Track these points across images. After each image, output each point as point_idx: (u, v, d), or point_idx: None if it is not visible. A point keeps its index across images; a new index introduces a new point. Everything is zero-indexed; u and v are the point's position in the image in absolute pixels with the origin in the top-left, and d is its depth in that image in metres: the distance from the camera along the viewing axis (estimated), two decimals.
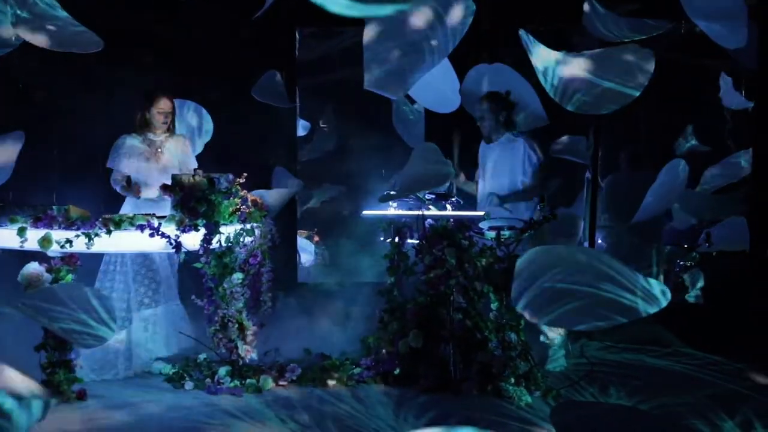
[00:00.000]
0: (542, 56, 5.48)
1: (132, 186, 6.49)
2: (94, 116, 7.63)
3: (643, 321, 7.01)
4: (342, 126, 10.17)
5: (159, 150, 6.70)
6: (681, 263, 9.23)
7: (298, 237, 9.92)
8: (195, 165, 6.76)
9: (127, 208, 6.56)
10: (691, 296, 9.11)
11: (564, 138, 9.00)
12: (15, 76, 7.52)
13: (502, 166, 7.01)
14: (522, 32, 5.52)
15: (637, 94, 5.26)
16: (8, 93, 7.69)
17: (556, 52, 5.50)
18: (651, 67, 5.23)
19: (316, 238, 10.50)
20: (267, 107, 8.49)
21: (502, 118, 7.03)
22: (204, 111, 7.74)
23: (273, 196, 7.80)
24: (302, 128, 9.44)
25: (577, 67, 5.34)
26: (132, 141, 6.67)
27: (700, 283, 9.11)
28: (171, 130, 6.79)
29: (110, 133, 6.85)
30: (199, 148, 7.66)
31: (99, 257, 6.49)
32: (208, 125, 7.73)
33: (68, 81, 7.58)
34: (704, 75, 8.79)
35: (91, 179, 7.04)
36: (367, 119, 9.36)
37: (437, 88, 7.06)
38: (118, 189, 6.64)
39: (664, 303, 4.44)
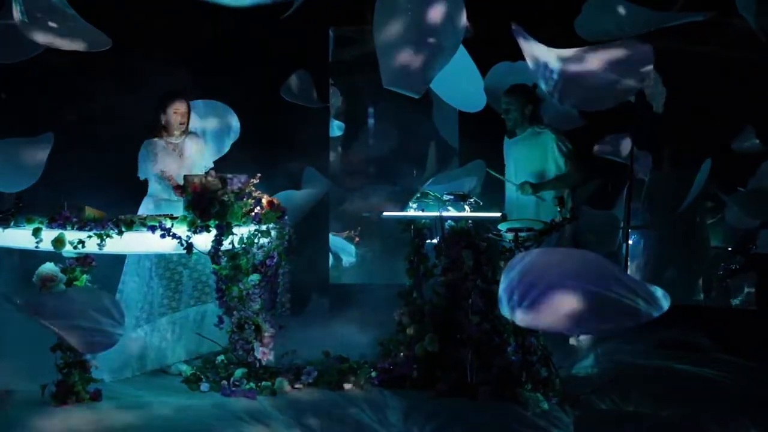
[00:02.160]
0: (537, 51, 5.33)
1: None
2: (122, 118, 7.65)
3: (678, 325, 6.91)
4: (384, 126, 10.11)
5: (180, 150, 6.72)
6: (725, 266, 8.95)
7: (337, 238, 9.90)
8: (211, 164, 6.81)
9: (144, 209, 6.57)
10: (736, 300, 8.84)
11: (608, 137, 8.83)
12: (39, 78, 7.59)
13: (529, 160, 6.88)
14: (515, 26, 5.36)
15: (639, 87, 5.07)
16: (35, 95, 7.75)
17: (550, 48, 5.34)
18: (650, 61, 5.05)
19: (357, 239, 10.44)
20: (299, 107, 8.45)
21: (527, 112, 6.90)
22: (231, 110, 7.71)
23: (301, 196, 7.80)
24: (338, 128, 9.39)
25: (577, 61, 5.17)
26: (157, 143, 6.72)
27: (746, 288, 8.84)
28: (186, 130, 6.81)
29: (138, 135, 6.88)
30: (227, 148, 7.64)
31: (124, 258, 6.51)
32: (236, 125, 7.70)
33: (97, 82, 7.65)
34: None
35: (117, 180, 7.05)
36: (408, 119, 9.31)
37: (462, 87, 6.93)
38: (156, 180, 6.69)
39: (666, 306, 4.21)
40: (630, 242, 9.11)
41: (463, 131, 8.75)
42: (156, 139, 6.74)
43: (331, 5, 8.37)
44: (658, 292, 4.37)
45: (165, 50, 7.95)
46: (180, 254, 6.00)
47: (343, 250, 10.15)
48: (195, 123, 7.26)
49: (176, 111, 6.70)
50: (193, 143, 6.84)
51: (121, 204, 6.42)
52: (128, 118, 7.53)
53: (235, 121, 7.68)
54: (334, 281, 9.38)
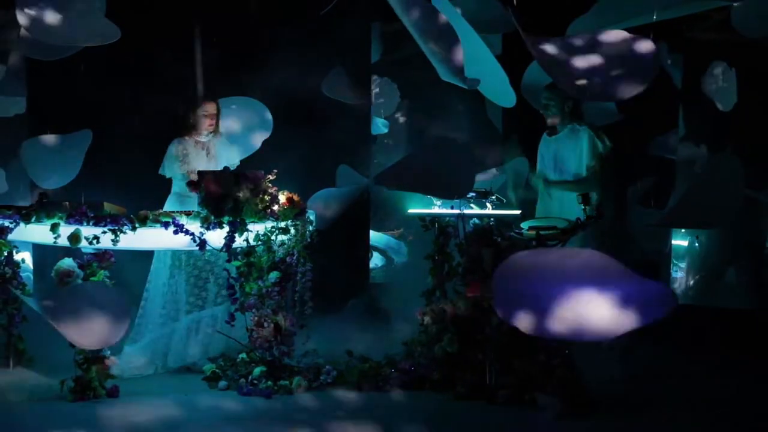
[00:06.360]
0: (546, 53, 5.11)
1: None
2: (158, 115, 7.64)
3: (720, 328, 6.63)
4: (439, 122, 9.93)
5: (208, 150, 6.70)
6: None
7: (387, 236, 9.77)
8: (237, 162, 6.80)
9: (169, 206, 6.57)
10: None
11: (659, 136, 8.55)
12: (78, 76, 7.65)
13: (567, 158, 6.67)
14: (512, 13, 5.17)
15: (646, 78, 4.78)
16: (74, 91, 7.82)
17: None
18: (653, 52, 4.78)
19: (410, 237, 10.29)
20: (341, 104, 8.35)
21: (567, 108, 6.71)
22: (264, 107, 7.67)
23: (337, 194, 7.71)
24: (382, 125, 9.28)
25: (584, 50, 4.94)
26: (184, 143, 6.72)
27: None
28: (216, 130, 6.79)
29: (169, 133, 6.88)
30: (258, 145, 7.59)
31: (152, 255, 6.52)
32: (269, 122, 7.65)
33: (133, 79, 7.68)
34: None
35: (147, 178, 7.06)
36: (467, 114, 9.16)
37: (492, 82, 6.74)
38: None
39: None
40: (683, 243, 8.82)
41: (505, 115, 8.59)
42: (186, 138, 6.73)
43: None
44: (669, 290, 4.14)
45: (201, 47, 7.94)
46: (207, 252, 5.96)
47: (394, 249, 10.00)
48: (227, 120, 7.24)
49: (206, 113, 6.68)
50: (223, 143, 6.82)
51: (150, 202, 6.44)
52: (163, 115, 7.53)
53: (268, 118, 7.62)
54: (381, 280, 9.25)
